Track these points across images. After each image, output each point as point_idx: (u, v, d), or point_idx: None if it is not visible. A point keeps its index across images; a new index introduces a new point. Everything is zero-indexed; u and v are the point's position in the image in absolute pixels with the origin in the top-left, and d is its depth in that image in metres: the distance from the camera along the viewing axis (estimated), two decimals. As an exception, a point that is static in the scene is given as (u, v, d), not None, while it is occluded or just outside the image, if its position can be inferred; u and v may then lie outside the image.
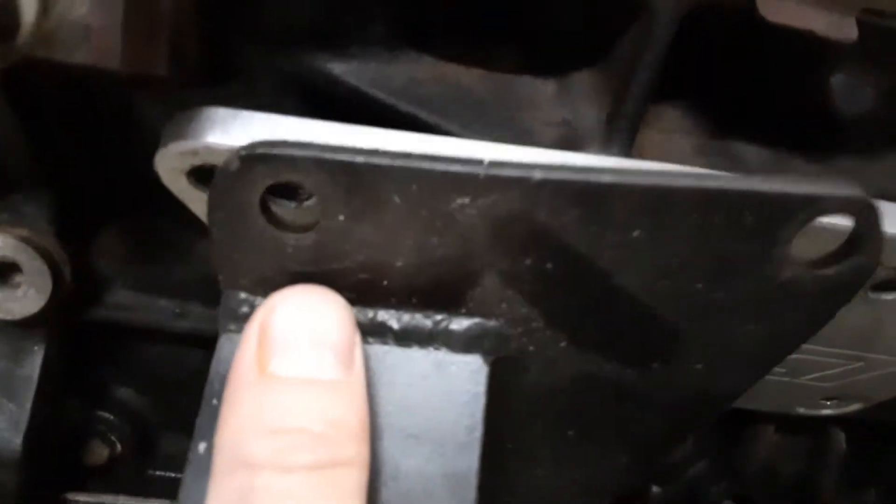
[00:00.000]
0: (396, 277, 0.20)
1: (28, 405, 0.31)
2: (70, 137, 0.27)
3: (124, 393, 0.36)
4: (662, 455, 0.24)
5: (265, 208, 0.19)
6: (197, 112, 0.20)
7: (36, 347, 0.31)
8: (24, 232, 0.29)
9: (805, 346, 0.28)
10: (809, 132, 0.25)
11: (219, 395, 0.19)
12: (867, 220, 0.19)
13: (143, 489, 0.37)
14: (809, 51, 0.22)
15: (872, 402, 0.33)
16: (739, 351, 0.21)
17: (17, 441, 0.31)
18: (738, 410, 0.35)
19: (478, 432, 0.20)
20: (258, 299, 0.19)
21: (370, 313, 0.20)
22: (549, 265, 0.20)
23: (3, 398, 0.31)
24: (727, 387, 0.22)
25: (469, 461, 0.20)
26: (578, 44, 0.24)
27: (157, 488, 0.37)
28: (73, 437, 0.35)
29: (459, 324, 0.20)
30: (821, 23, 0.21)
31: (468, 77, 0.24)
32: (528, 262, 0.20)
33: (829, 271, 0.19)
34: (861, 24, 0.22)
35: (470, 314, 0.20)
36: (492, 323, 0.20)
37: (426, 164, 0.18)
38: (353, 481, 0.17)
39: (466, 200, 0.18)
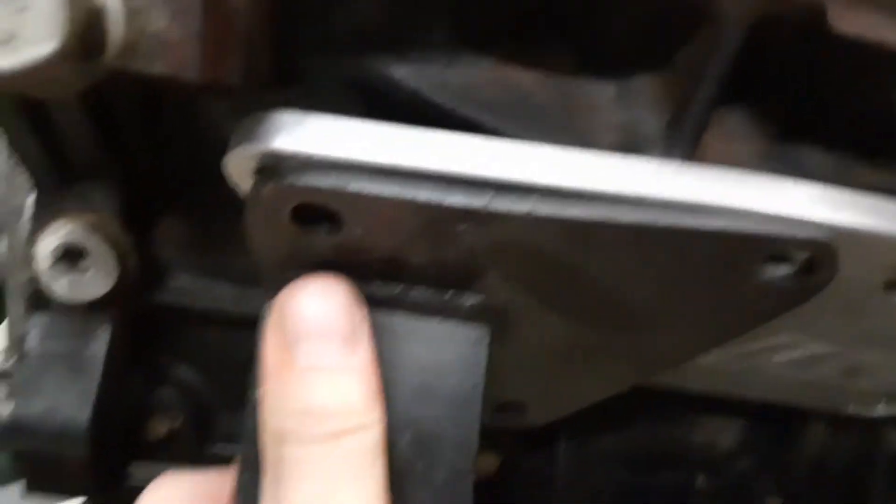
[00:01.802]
0: (411, 268, 0.22)
1: (95, 383, 0.32)
2: (137, 132, 0.28)
3: (184, 372, 0.37)
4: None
5: (294, 216, 0.21)
6: (264, 116, 0.21)
7: (102, 328, 0.32)
8: (93, 219, 0.30)
9: (858, 349, 0.28)
10: (874, 141, 0.25)
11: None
12: (826, 257, 0.21)
13: (200, 463, 0.38)
14: (879, 63, 0.22)
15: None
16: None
17: (85, 416, 0.32)
18: (788, 407, 0.35)
19: (480, 388, 0.23)
20: (289, 277, 0.22)
21: (387, 289, 0.23)
22: (544, 272, 0.22)
23: (72, 376, 0.32)
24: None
25: (473, 412, 0.23)
26: (640, 49, 0.24)
27: (215, 463, 0.39)
28: (135, 413, 0.37)
29: (465, 300, 0.23)
30: (893, 35, 0.21)
31: (527, 80, 0.24)
32: (525, 269, 0.22)
33: (787, 284, 0.22)
34: None
35: (475, 293, 0.23)
36: (493, 301, 0.23)
37: (432, 196, 0.20)
38: (366, 442, 0.21)
39: (468, 227, 0.21)
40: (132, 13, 0.16)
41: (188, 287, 0.34)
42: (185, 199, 0.32)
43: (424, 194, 0.20)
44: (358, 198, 0.21)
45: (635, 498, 0.40)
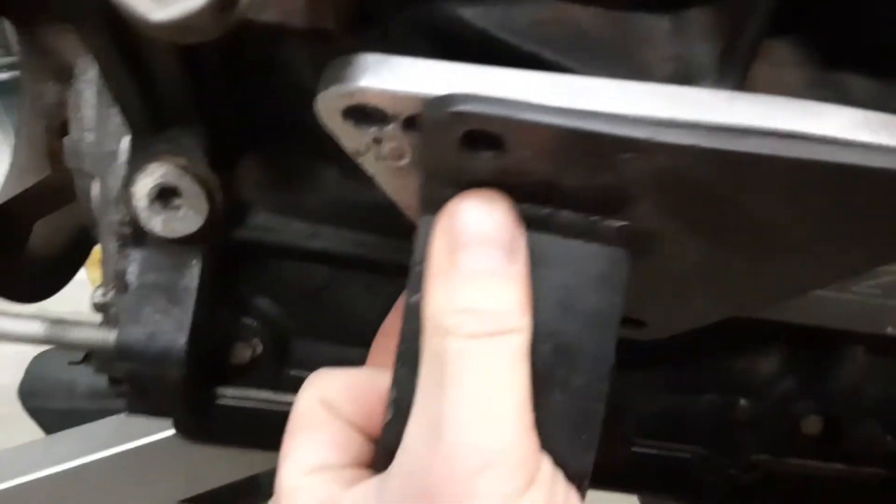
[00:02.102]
0: (563, 192, 0.24)
1: (190, 311, 0.36)
2: (223, 80, 0.30)
3: (263, 303, 0.40)
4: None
5: (462, 140, 0.23)
6: (351, 58, 0.23)
7: (194, 262, 0.36)
8: (184, 161, 0.33)
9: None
10: None
11: (419, 263, 0.25)
12: None
13: (279, 386, 0.42)
14: None
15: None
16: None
17: (182, 341, 0.36)
18: (828, 330, 0.37)
19: (618, 307, 0.25)
20: (448, 195, 0.25)
21: (540, 210, 0.25)
22: (696, 201, 0.24)
23: (169, 305, 0.36)
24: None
25: (610, 328, 0.25)
26: None
27: (291, 386, 0.42)
28: (221, 341, 0.40)
29: (612, 224, 0.25)
30: None
31: (586, 16, 0.26)
32: (677, 198, 0.24)
33: None
34: None
35: (621, 218, 0.25)
36: (639, 226, 0.25)
37: (599, 126, 0.22)
38: (516, 343, 0.24)
39: (630, 156, 0.22)
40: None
41: (266, 224, 0.37)
42: (264, 142, 0.35)
43: (592, 124, 0.22)
44: (526, 125, 0.22)
45: (677, 421, 0.42)
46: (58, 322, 0.37)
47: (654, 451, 0.42)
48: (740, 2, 0.24)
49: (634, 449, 0.42)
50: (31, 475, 0.90)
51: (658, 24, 0.26)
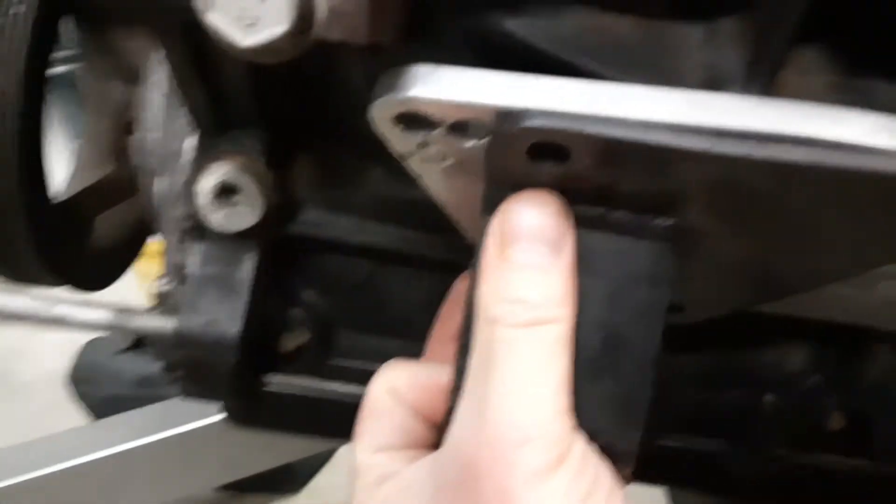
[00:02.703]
0: (618, 195, 0.27)
1: (244, 302, 0.38)
2: (285, 88, 0.33)
3: (310, 295, 0.43)
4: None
5: (529, 151, 0.25)
6: (403, 69, 0.25)
7: (249, 255, 0.38)
8: (244, 161, 0.36)
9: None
10: None
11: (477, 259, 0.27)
12: None
13: (323, 374, 0.44)
14: None
15: None
16: None
17: (236, 329, 0.38)
18: (854, 328, 0.38)
19: (665, 299, 0.27)
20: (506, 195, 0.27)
21: (594, 210, 0.27)
22: (743, 204, 0.26)
23: (225, 295, 0.38)
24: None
25: (657, 319, 0.27)
26: None
27: (335, 374, 0.44)
28: (271, 330, 0.43)
29: (661, 223, 0.27)
30: None
31: (623, 25, 0.28)
32: (726, 201, 0.26)
33: None
34: None
35: (671, 218, 0.27)
36: (686, 224, 0.27)
37: (658, 138, 0.24)
38: (557, 332, 0.27)
39: (687, 165, 0.25)
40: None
41: (316, 220, 0.40)
42: (317, 144, 0.37)
43: (653, 136, 0.24)
44: (591, 139, 0.25)
45: (704, 415, 0.43)
46: (122, 310, 0.40)
47: (680, 444, 0.43)
48: (768, 11, 0.26)
49: (661, 442, 0.43)
50: (77, 460, 0.93)
51: (690, 33, 0.28)
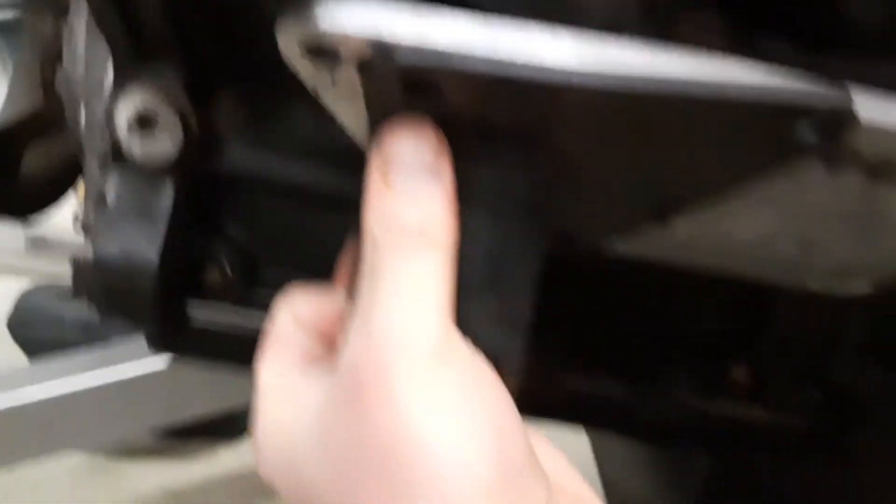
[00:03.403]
0: (494, 125, 0.28)
1: (162, 230, 0.39)
2: (201, 17, 0.33)
3: (235, 230, 0.43)
4: None
5: (401, 86, 0.26)
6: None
7: (169, 185, 0.38)
8: (163, 91, 0.36)
9: (811, 223, 0.33)
10: (826, 31, 0.29)
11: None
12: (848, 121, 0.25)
13: (247, 305, 0.45)
14: None
15: (882, 282, 0.37)
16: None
17: (154, 255, 0.39)
18: (758, 283, 0.40)
19: (542, 218, 0.29)
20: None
21: (471, 140, 0.28)
22: (606, 130, 0.28)
23: (144, 222, 0.39)
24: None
25: (536, 238, 0.29)
26: None
27: (259, 305, 0.45)
28: (195, 262, 0.43)
29: (536, 151, 0.28)
30: None
31: None
32: (590, 127, 0.28)
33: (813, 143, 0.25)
34: None
35: (545, 147, 0.28)
36: (557, 150, 0.28)
37: (518, 73, 0.26)
38: (441, 251, 0.28)
39: (543, 95, 0.26)
40: None
41: (239, 156, 0.40)
42: (239, 78, 0.38)
43: (513, 70, 0.25)
44: (458, 75, 0.26)
45: (614, 360, 0.45)
46: (41, 236, 0.40)
47: (590, 387, 0.45)
48: None
49: (573, 384, 0.45)
50: (15, 399, 0.93)
51: None
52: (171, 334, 0.44)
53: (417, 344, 0.27)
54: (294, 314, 0.33)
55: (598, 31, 0.26)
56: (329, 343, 0.32)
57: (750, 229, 0.33)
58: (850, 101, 0.26)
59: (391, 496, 0.26)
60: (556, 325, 0.44)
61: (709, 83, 0.26)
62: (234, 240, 0.43)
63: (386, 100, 0.27)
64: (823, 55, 0.29)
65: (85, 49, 0.42)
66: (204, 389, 0.99)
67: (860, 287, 0.37)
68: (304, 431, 0.30)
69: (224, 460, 1.20)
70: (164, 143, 0.37)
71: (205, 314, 0.44)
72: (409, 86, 0.26)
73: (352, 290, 0.30)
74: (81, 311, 1.13)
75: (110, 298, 0.41)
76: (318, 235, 0.44)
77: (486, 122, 0.27)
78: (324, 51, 0.27)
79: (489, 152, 0.28)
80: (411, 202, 0.28)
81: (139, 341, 1.01)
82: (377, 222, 0.28)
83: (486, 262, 0.29)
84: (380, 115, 0.28)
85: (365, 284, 0.28)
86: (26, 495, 1.12)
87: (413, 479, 0.26)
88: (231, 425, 1.23)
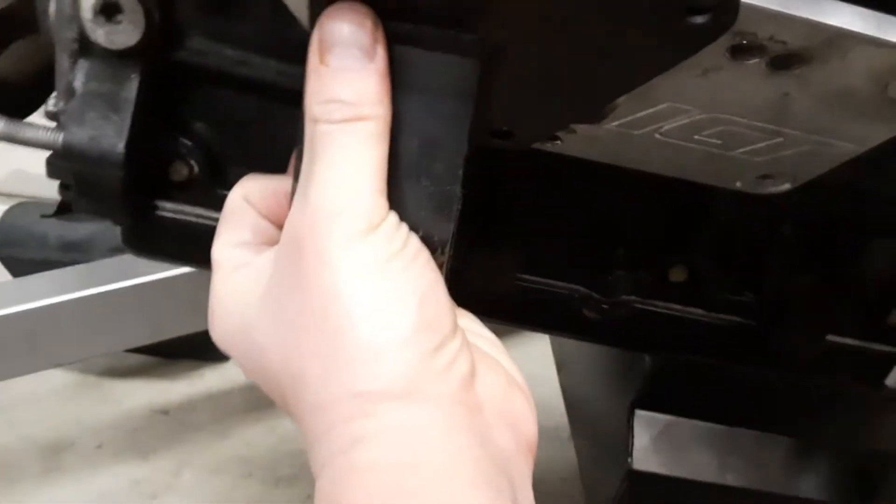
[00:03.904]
0: (425, 10, 0.29)
1: (128, 119, 0.40)
2: None
3: (200, 127, 0.45)
4: None
5: None
6: None
7: (133, 74, 0.40)
8: (125, -22, 0.37)
9: (728, 118, 0.35)
10: None
11: None
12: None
13: (214, 204, 0.47)
14: None
15: (799, 180, 0.39)
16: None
17: (121, 145, 0.40)
18: (692, 187, 0.42)
19: (471, 105, 0.31)
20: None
21: (405, 26, 0.30)
22: (528, 15, 0.29)
23: (110, 112, 0.40)
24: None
25: (465, 124, 0.31)
26: None
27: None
28: (161, 157, 0.45)
29: (465, 37, 0.30)
30: None
31: None
32: (514, 13, 0.29)
33: (703, 24, 0.27)
34: None
35: (473, 33, 0.30)
36: (486, 38, 0.30)
37: None
38: (371, 127, 0.30)
39: None
40: None
41: (200, 47, 0.41)
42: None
43: None
44: None
45: (562, 263, 0.48)
46: (14, 121, 0.42)
47: (538, 287, 0.48)
48: None
49: (520, 283, 0.48)
50: (1, 312, 0.96)
51: None
52: (143, 232, 0.46)
53: (349, 214, 0.29)
54: (245, 195, 0.35)
55: None
56: (278, 222, 0.34)
57: (673, 124, 0.35)
58: None
59: (328, 352, 0.29)
60: (504, 228, 0.47)
61: None
62: (201, 138, 0.45)
63: None
64: None
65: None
66: (187, 308, 1.02)
67: (782, 186, 0.39)
68: (255, 299, 0.32)
69: (208, 379, 1.23)
70: (128, 31, 0.38)
71: (173, 212, 0.46)
72: None
73: (294, 169, 0.32)
74: (64, 229, 1.15)
75: (81, 188, 0.43)
76: (283, 134, 0.45)
77: (416, 6, 0.29)
78: None
79: (422, 38, 0.30)
80: (346, 80, 0.29)
81: (122, 260, 1.04)
82: (314, 100, 0.30)
83: (419, 147, 0.31)
84: (318, 4, 0.29)
85: (305, 161, 0.30)
86: (17, 412, 1.15)
87: (342, 335, 0.29)
88: (216, 347, 1.26)
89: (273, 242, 0.33)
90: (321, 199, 0.29)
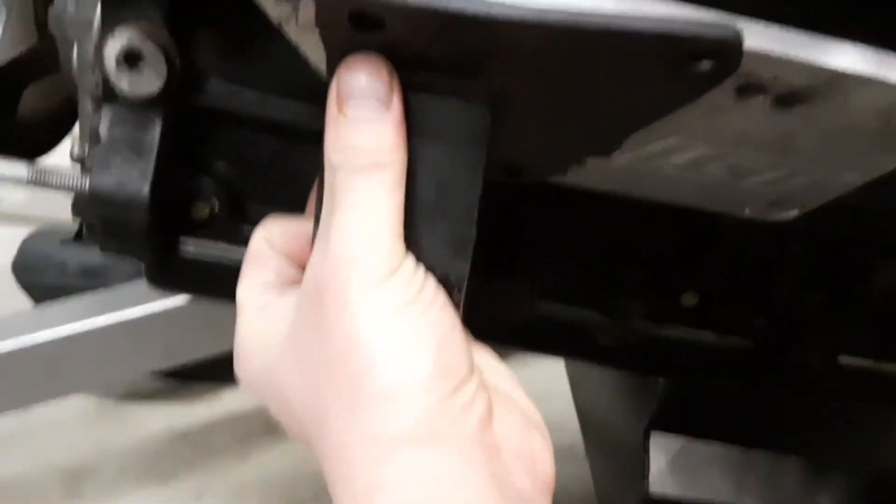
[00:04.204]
0: (436, 59, 0.31)
1: (152, 163, 0.41)
2: None
3: (221, 166, 0.46)
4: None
5: (351, 20, 0.29)
6: None
7: (156, 119, 0.41)
8: (147, 28, 0.39)
9: (735, 151, 0.36)
10: None
11: None
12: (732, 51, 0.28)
13: (235, 241, 0.48)
14: None
15: (808, 207, 0.40)
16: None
17: (145, 188, 0.41)
18: (701, 212, 0.43)
19: (484, 147, 0.32)
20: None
21: (419, 74, 0.31)
22: (531, 64, 0.30)
23: (134, 156, 0.42)
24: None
25: (479, 166, 0.32)
26: None
27: (245, 241, 0.48)
28: (183, 197, 0.46)
29: (473, 83, 0.31)
30: None
31: None
32: (517, 62, 0.30)
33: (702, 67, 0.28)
34: None
35: (480, 80, 0.31)
36: (494, 85, 0.31)
37: (449, 6, 0.29)
38: (391, 175, 0.31)
39: (486, 32, 0.29)
40: None
41: (221, 91, 0.42)
42: (219, 14, 0.40)
43: (444, 3, 0.28)
44: (395, 7, 0.29)
45: (575, 288, 0.49)
46: (41, 168, 0.43)
47: (553, 314, 0.49)
48: None
49: (536, 312, 0.49)
50: (22, 341, 0.97)
51: None
52: (166, 268, 0.47)
53: (368, 260, 0.30)
54: (267, 238, 0.37)
55: None
56: (300, 264, 0.35)
57: (682, 157, 0.36)
58: (733, 30, 0.29)
59: (349, 396, 0.30)
60: (519, 256, 0.48)
61: (608, 14, 0.29)
62: (221, 177, 0.46)
63: (337, 34, 0.30)
64: None
65: (74, -9, 0.44)
66: (206, 332, 1.03)
67: (790, 213, 0.40)
68: (278, 341, 0.33)
69: (227, 401, 1.24)
70: (151, 79, 0.40)
71: (195, 249, 0.47)
72: (355, 18, 0.29)
73: (315, 215, 0.33)
74: (84, 255, 1.17)
75: (107, 230, 0.44)
76: (301, 172, 0.47)
77: (429, 56, 0.30)
78: None
79: (434, 85, 0.31)
80: (364, 130, 0.31)
81: (141, 285, 1.05)
82: (334, 149, 0.31)
83: (434, 191, 0.32)
84: (334, 50, 0.31)
85: (325, 208, 0.32)
86: (37, 438, 1.17)
87: (363, 379, 0.30)
88: (234, 368, 1.27)
89: (296, 283, 0.35)
90: (341, 245, 0.30)
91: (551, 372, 0.82)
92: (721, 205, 0.41)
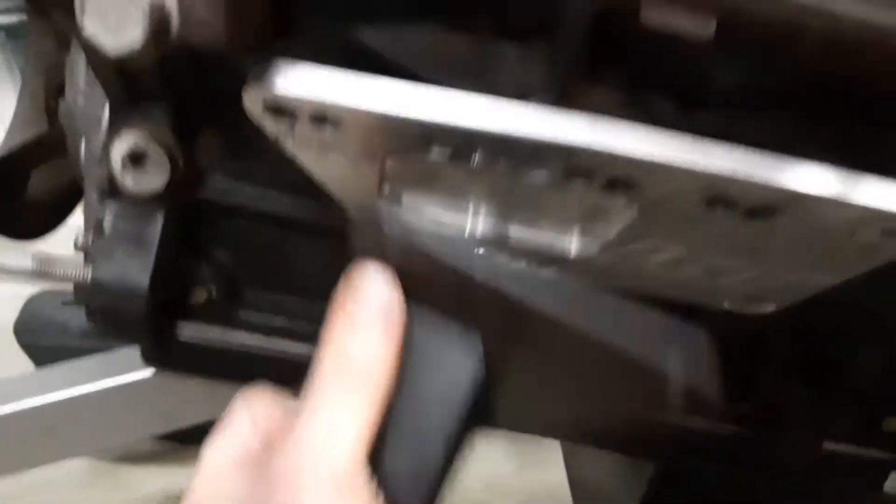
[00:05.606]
0: (437, 302, 0.33)
1: (153, 255, 0.43)
2: (178, 68, 0.38)
3: (219, 254, 0.48)
4: None
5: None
6: (266, 64, 0.30)
7: (158, 215, 0.43)
8: (152, 130, 0.41)
9: (708, 255, 0.38)
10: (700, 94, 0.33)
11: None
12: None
13: (231, 324, 0.49)
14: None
15: (783, 304, 0.42)
16: None
17: (145, 280, 0.43)
18: (680, 306, 0.44)
19: (467, 398, 0.33)
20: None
21: (419, 308, 0.33)
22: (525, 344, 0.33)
23: (135, 249, 0.43)
24: None
25: (456, 411, 0.32)
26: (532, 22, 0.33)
27: (241, 325, 0.50)
28: (182, 284, 0.48)
29: (467, 339, 0.33)
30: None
31: (458, 42, 0.33)
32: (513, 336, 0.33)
33: None
34: None
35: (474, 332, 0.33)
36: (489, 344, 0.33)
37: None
38: (374, 396, 0.31)
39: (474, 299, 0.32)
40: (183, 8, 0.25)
41: (221, 186, 0.44)
42: (219, 119, 0.42)
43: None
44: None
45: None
46: (45, 259, 0.45)
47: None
48: (557, 40, 0.32)
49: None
50: (17, 405, 0.97)
51: (510, 51, 0.34)
52: (162, 350, 0.49)
53: (325, 469, 0.30)
54: (251, 416, 0.36)
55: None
56: (271, 444, 0.35)
57: (659, 257, 0.37)
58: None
59: None
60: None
61: None
62: (219, 264, 0.48)
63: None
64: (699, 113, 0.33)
65: (84, 85, 0.47)
66: (203, 397, 1.03)
67: (767, 307, 0.41)
68: None
69: (221, 465, 1.24)
70: (154, 178, 0.42)
71: (192, 332, 0.48)
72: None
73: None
74: (85, 316, 1.17)
75: (106, 317, 0.46)
76: (295, 259, 0.49)
77: (431, 295, 0.32)
78: (281, 110, 0.32)
79: (432, 321, 0.32)
80: (365, 344, 0.32)
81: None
82: (330, 351, 0.32)
83: (414, 413, 0.32)
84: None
85: (305, 403, 0.32)
86: (31, 500, 1.16)
87: None
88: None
89: (259, 463, 0.35)
90: (304, 446, 0.31)
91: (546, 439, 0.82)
92: (701, 298, 0.42)
